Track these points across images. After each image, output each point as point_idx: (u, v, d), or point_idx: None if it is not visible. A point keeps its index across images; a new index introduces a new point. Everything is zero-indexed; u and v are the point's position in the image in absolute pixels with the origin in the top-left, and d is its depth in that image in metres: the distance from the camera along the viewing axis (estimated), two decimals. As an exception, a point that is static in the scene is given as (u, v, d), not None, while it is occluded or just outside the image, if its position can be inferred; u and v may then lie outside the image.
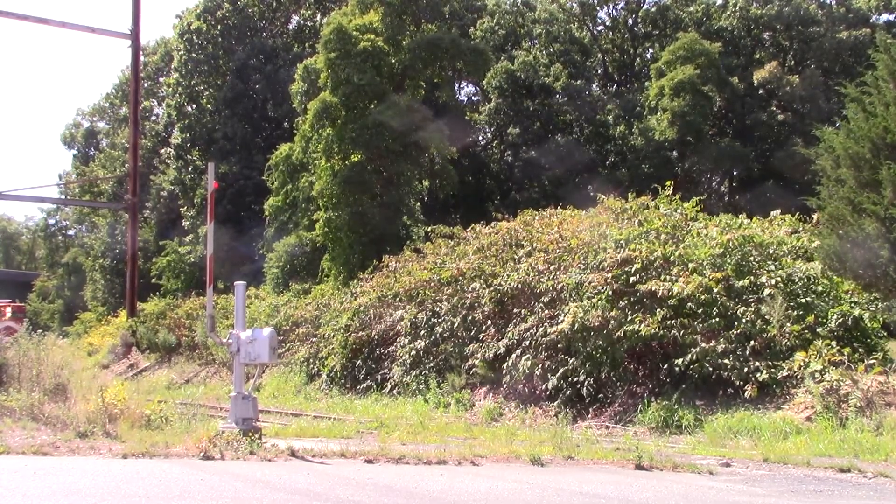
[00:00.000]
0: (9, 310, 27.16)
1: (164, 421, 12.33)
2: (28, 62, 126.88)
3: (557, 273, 17.58)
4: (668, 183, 19.49)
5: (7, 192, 33.67)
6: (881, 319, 14.33)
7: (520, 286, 18.04)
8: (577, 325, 15.26)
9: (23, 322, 28.94)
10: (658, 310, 14.92)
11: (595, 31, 50.49)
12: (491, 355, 17.74)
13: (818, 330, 14.06)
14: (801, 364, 13.28)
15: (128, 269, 36.18)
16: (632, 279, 15.59)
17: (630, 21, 50.23)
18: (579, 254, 17.58)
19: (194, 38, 48.70)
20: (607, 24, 51.38)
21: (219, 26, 48.85)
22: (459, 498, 7.85)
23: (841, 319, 14.08)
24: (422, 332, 20.04)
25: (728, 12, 44.80)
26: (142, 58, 43.39)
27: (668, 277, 15.29)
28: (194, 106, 49.74)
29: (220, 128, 46.86)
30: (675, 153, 40.10)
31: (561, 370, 15.72)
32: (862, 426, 11.49)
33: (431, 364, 19.29)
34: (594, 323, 15.09)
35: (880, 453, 10.31)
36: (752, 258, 15.99)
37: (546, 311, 16.93)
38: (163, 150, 54.97)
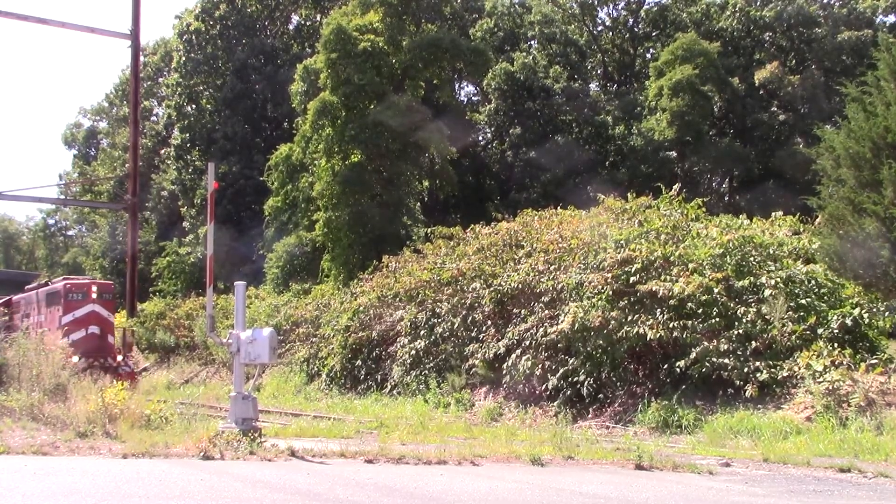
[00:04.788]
0: (94, 288, 22.09)
1: (164, 421, 12.32)
2: (28, 62, 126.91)
3: (557, 273, 17.58)
4: (675, 186, 19.55)
5: (7, 192, 33.61)
6: (886, 323, 14.24)
7: (520, 286, 18.05)
8: (577, 325, 15.26)
9: (113, 306, 23.29)
10: (658, 310, 14.93)
11: (595, 32, 50.48)
12: (491, 355, 17.75)
13: (819, 331, 14.05)
14: (803, 364, 13.27)
15: (128, 269, 36.10)
16: (632, 279, 15.59)
17: (630, 21, 50.24)
18: (579, 254, 17.58)
19: (193, 38, 48.73)
20: (607, 24, 51.39)
21: (217, 27, 48.88)
22: (459, 498, 7.84)
23: (841, 321, 14.06)
24: (422, 333, 20.05)
25: (728, 13, 44.78)
26: (142, 58, 43.40)
27: (668, 277, 15.29)
28: (194, 106, 49.76)
29: (220, 128, 46.87)
30: (674, 153, 40.07)
31: (561, 370, 15.72)
32: (862, 426, 11.48)
33: (431, 364, 19.30)
34: (594, 323, 15.09)
35: (880, 453, 10.30)
36: (752, 258, 15.99)
37: (546, 312, 16.93)
38: (163, 151, 54.99)
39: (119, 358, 21.84)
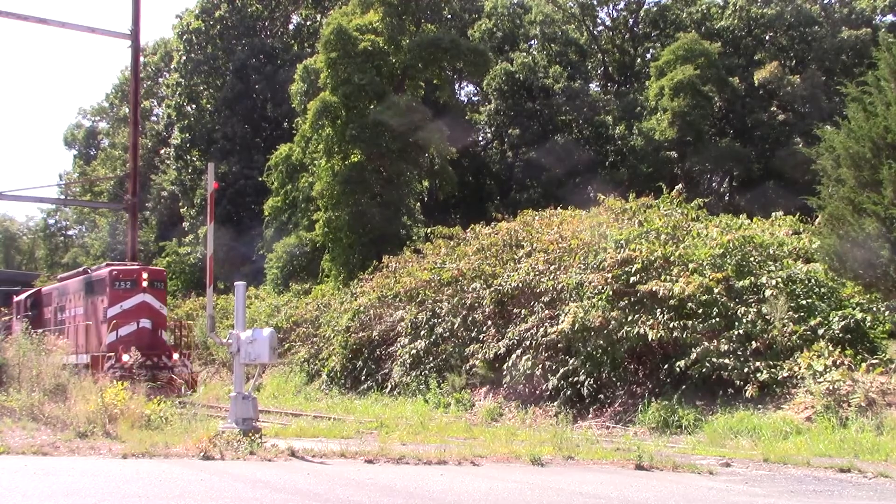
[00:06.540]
0: (145, 275, 19.34)
1: (164, 421, 12.32)
2: (28, 62, 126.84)
3: (557, 273, 17.59)
4: (677, 186, 19.56)
5: (7, 192, 33.56)
6: (886, 323, 14.21)
7: (520, 286, 18.05)
8: (577, 326, 15.26)
9: (165, 296, 20.48)
10: (658, 310, 14.93)
11: (595, 32, 50.47)
12: (491, 355, 17.75)
13: (820, 332, 14.04)
14: (803, 365, 13.27)
15: (128, 269, 36.04)
16: (632, 279, 15.59)
17: (630, 21, 50.22)
18: (579, 254, 17.59)
19: (193, 38, 48.73)
20: (607, 24, 51.38)
21: (217, 26, 48.88)
22: (459, 498, 7.83)
23: (843, 323, 14.05)
24: (422, 333, 20.06)
25: (729, 12, 44.78)
26: (142, 58, 43.36)
27: (668, 278, 15.29)
28: (194, 106, 49.75)
29: (220, 128, 46.87)
30: (675, 153, 40.06)
31: (561, 370, 15.72)
32: (863, 426, 11.48)
33: (432, 364, 19.30)
34: (594, 323, 15.10)
35: (880, 453, 10.30)
36: (752, 259, 15.99)
37: (546, 312, 16.94)
38: (163, 150, 54.97)
39: (175, 356, 19.37)
